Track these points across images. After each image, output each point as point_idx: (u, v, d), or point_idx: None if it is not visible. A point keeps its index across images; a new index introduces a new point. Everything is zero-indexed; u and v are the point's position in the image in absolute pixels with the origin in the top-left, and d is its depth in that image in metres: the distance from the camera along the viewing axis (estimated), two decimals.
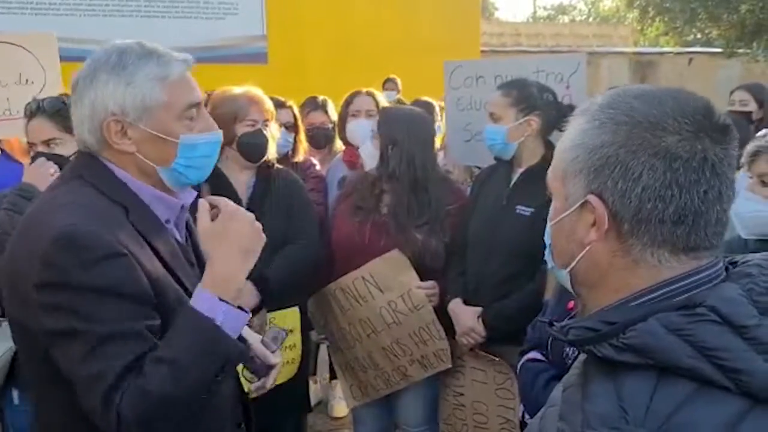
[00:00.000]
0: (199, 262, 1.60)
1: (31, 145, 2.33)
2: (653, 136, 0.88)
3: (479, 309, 2.63)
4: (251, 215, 1.47)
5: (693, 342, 0.82)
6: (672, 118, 0.89)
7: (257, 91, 2.76)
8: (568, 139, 0.97)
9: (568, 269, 0.99)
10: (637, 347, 0.84)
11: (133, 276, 1.32)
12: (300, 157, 3.48)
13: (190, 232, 1.64)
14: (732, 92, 4.34)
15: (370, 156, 2.79)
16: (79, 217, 1.33)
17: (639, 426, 0.79)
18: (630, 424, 0.80)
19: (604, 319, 0.90)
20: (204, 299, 1.35)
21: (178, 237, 1.56)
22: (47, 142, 2.29)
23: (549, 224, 1.02)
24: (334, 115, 3.99)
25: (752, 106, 4.12)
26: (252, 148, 2.69)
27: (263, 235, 1.46)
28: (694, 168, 0.87)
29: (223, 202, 1.46)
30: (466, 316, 2.65)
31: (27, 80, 3.24)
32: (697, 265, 0.91)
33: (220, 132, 1.56)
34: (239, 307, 1.39)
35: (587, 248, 0.95)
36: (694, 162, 0.87)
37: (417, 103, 4.71)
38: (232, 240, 1.40)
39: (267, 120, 2.72)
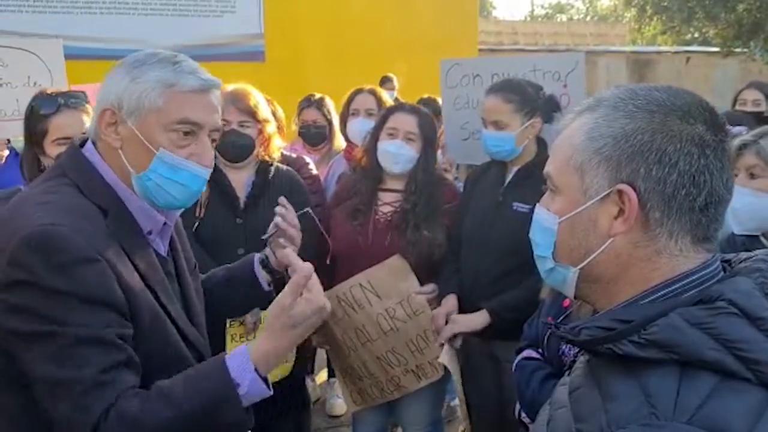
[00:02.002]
0: (178, 272, 1.57)
1: (63, 140, 2.34)
2: (687, 123, 0.90)
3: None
4: (325, 303, 1.39)
5: (715, 335, 0.83)
6: (696, 108, 0.92)
7: (245, 89, 2.72)
8: (581, 132, 0.96)
9: (580, 266, 0.98)
10: (660, 342, 0.85)
11: (105, 282, 1.27)
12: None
13: (172, 244, 1.58)
14: (741, 91, 4.24)
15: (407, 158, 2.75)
16: (54, 218, 1.28)
17: (669, 420, 0.80)
18: (660, 419, 0.80)
19: (617, 318, 0.90)
20: (241, 362, 1.31)
21: (160, 249, 1.51)
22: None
23: (555, 221, 0.99)
24: (331, 114, 3.99)
25: (764, 106, 4.05)
26: (222, 147, 2.67)
27: (323, 317, 1.40)
28: (719, 156, 0.90)
29: (312, 282, 1.39)
30: (450, 307, 2.65)
31: (35, 83, 3.41)
32: (706, 257, 0.93)
33: (208, 169, 1.47)
34: (266, 382, 1.35)
35: (609, 241, 0.94)
36: (719, 150, 0.91)
37: (423, 101, 4.69)
38: (300, 330, 1.36)
39: (245, 120, 2.68)
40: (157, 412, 1.24)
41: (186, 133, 1.40)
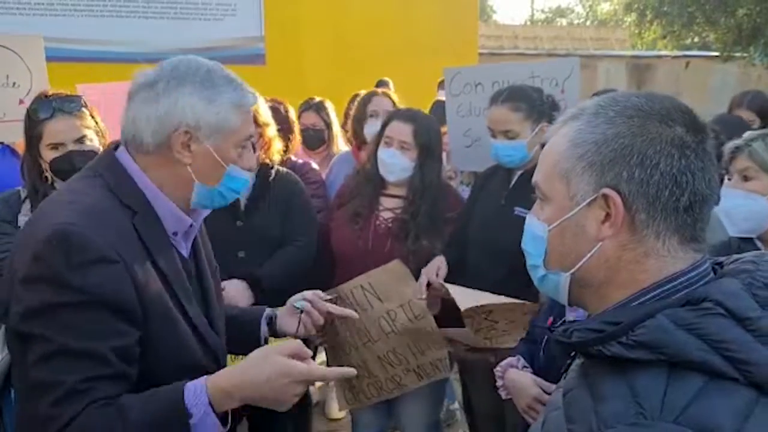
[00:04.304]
0: (199, 274, 1.60)
1: (56, 146, 2.38)
2: (666, 126, 0.93)
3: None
4: (302, 390, 1.39)
5: (702, 335, 0.84)
6: (674, 111, 0.94)
7: None
8: (565, 140, 0.98)
9: (572, 271, 1.00)
10: (648, 343, 0.86)
11: (119, 285, 1.30)
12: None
13: (195, 246, 1.63)
14: (732, 109, 4.06)
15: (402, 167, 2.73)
16: (78, 217, 1.31)
17: (656, 419, 0.81)
18: (647, 419, 0.82)
19: (607, 320, 0.92)
20: (196, 391, 1.30)
21: (183, 250, 1.55)
22: (80, 140, 2.39)
23: (545, 229, 1.02)
24: (330, 117, 3.99)
25: (757, 125, 3.88)
26: None
27: (292, 400, 1.39)
28: (700, 156, 0.93)
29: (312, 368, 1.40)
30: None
31: (14, 83, 3.25)
32: (695, 258, 0.94)
33: (253, 174, 1.59)
34: (223, 419, 1.34)
35: (598, 245, 0.96)
36: (699, 150, 0.93)
37: (438, 104, 4.67)
38: (267, 390, 1.33)
39: None
40: (110, 428, 1.25)
41: (244, 147, 1.52)
